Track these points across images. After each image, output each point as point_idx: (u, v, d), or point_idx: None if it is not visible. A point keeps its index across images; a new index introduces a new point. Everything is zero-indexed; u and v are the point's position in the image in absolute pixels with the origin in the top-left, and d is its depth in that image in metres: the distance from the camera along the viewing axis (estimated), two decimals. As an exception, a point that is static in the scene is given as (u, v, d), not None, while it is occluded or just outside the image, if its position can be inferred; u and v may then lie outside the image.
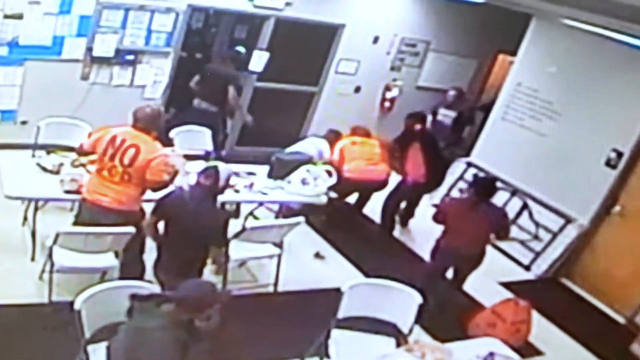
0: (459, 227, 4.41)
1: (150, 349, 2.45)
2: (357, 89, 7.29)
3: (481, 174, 6.64)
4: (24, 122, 5.49)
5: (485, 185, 4.65)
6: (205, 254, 3.76)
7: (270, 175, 4.97)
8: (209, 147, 5.41)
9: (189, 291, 2.61)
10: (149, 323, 2.48)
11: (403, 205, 6.13)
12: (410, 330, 3.52)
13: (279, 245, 4.36)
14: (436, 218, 4.62)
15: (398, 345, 3.48)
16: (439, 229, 4.63)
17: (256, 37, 6.55)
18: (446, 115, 6.99)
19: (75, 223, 3.91)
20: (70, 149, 4.61)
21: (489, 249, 5.78)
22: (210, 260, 4.07)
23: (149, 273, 3.88)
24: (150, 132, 3.72)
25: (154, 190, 3.75)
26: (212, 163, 3.91)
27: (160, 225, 3.70)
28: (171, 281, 3.36)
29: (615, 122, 5.62)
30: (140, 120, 3.71)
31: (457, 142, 7.10)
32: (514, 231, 5.98)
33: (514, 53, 6.71)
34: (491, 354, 3.15)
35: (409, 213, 6.17)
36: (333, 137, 5.76)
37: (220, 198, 4.54)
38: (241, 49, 6.10)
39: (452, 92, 6.96)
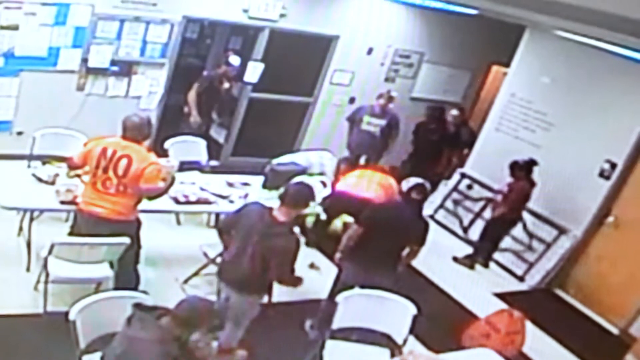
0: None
1: (139, 356, 2.48)
2: (352, 100, 7.30)
3: (475, 185, 6.69)
4: (19, 133, 5.49)
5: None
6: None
7: (264, 186, 4.97)
8: (204, 157, 5.41)
9: (184, 306, 2.62)
10: (142, 334, 2.50)
11: None
12: (405, 341, 3.53)
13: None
14: None
15: (392, 355, 3.49)
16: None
17: (251, 48, 6.58)
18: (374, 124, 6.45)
19: (71, 233, 3.91)
20: (66, 160, 4.63)
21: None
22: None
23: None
24: (140, 141, 3.73)
25: (150, 198, 3.75)
26: (419, 180, 4.12)
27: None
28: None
29: (609, 133, 5.64)
30: (129, 130, 3.72)
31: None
32: (508, 242, 6.03)
33: (507, 64, 6.75)
34: (485, 365, 3.17)
35: None
36: (346, 167, 5.65)
37: (217, 209, 4.58)
38: (235, 59, 6.10)
39: (380, 101, 6.40)
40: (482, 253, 5.91)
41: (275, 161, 5.32)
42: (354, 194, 5.08)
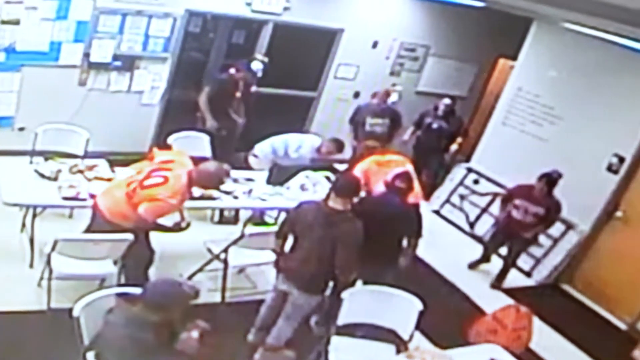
0: None
1: (110, 342, 2.59)
2: (357, 94, 7.26)
3: (482, 179, 6.63)
4: (21, 129, 5.47)
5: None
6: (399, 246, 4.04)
7: (269, 182, 4.93)
8: (208, 153, 5.37)
9: (153, 290, 2.66)
10: (113, 318, 2.61)
11: None
12: (411, 337, 3.51)
13: (275, 251, 4.30)
14: None
15: (398, 351, 3.47)
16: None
17: (254, 42, 6.53)
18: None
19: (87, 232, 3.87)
20: (68, 155, 4.62)
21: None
22: None
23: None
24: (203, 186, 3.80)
25: (138, 229, 3.65)
26: (402, 168, 4.13)
27: None
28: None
29: (617, 126, 5.58)
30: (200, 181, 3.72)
31: None
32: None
33: (514, 57, 6.68)
34: (492, 360, 3.12)
35: None
36: (334, 147, 5.45)
37: (220, 204, 4.54)
38: (257, 65, 5.88)
39: (375, 100, 6.35)
40: (505, 272, 5.55)
41: (257, 146, 5.35)
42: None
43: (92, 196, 3.97)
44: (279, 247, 3.74)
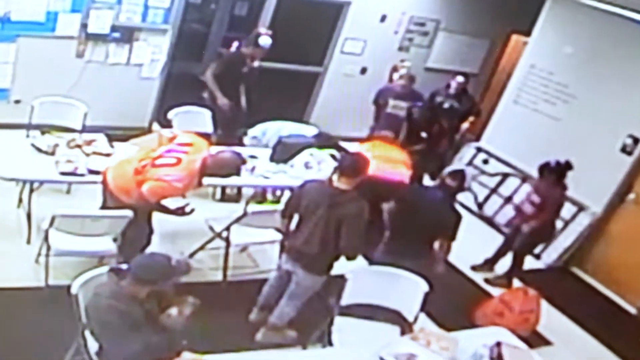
0: None
1: (96, 313, 2.63)
2: (364, 70, 7.13)
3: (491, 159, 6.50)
4: (17, 101, 5.38)
5: None
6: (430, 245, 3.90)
7: (272, 159, 4.85)
8: (209, 128, 5.26)
9: (140, 263, 2.66)
10: (100, 290, 2.65)
11: None
12: (416, 318, 3.48)
13: (281, 230, 4.24)
14: None
15: (403, 333, 3.45)
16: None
17: (257, 14, 6.38)
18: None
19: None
20: (66, 129, 4.55)
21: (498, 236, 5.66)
22: None
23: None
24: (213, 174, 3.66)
25: (140, 207, 3.56)
26: (458, 167, 4.02)
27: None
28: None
29: (633, 106, 5.48)
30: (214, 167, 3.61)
31: None
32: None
33: (528, 33, 6.54)
34: (498, 344, 3.08)
35: None
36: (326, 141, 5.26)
37: (228, 181, 4.43)
38: (266, 40, 5.55)
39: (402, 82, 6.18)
40: (511, 273, 5.17)
41: (250, 131, 5.28)
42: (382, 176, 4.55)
43: (92, 172, 3.90)
44: (285, 227, 3.70)
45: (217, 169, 3.62)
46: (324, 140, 5.28)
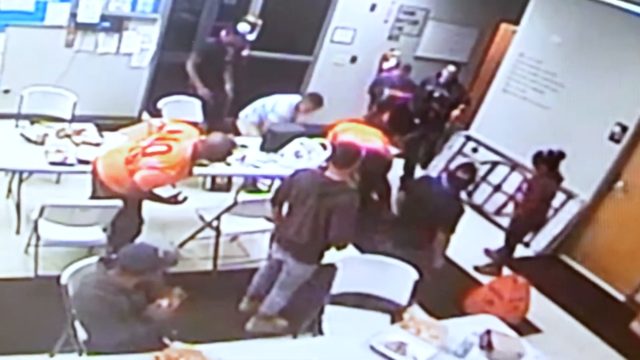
0: None
1: (82, 303, 2.65)
2: (354, 59, 7.11)
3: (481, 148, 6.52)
4: (6, 91, 5.34)
5: None
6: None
7: (262, 148, 4.84)
8: (199, 118, 5.25)
9: (128, 254, 2.66)
10: (87, 279, 2.66)
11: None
12: (406, 307, 3.46)
13: (271, 219, 4.24)
14: None
15: (393, 321, 3.45)
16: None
17: (247, 2, 6.32)
18: None
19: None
20: (55, 119, 4.52)
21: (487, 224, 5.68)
22: None
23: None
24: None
25: (132, 196, 3.55)
26: (468, 160, 4.02)
27: None
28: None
29: (621, 95, 5.49)
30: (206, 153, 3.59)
31: None
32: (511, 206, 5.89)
33: (517, 22, 6.54)
34: (488, 332, 3.10)
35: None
36: (313, 103, 5.31)
37: (212, 171, 4.43)
38: (244, 26, 5.63)
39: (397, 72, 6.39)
40: (503, 261, 5.21)
41: (241, 113, 5.32)
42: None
43: (82, 161, 3.87)
44: (275, 215, 3.68)
45: (208, 153, 3.60)
46: (315, 100, 5.29)
